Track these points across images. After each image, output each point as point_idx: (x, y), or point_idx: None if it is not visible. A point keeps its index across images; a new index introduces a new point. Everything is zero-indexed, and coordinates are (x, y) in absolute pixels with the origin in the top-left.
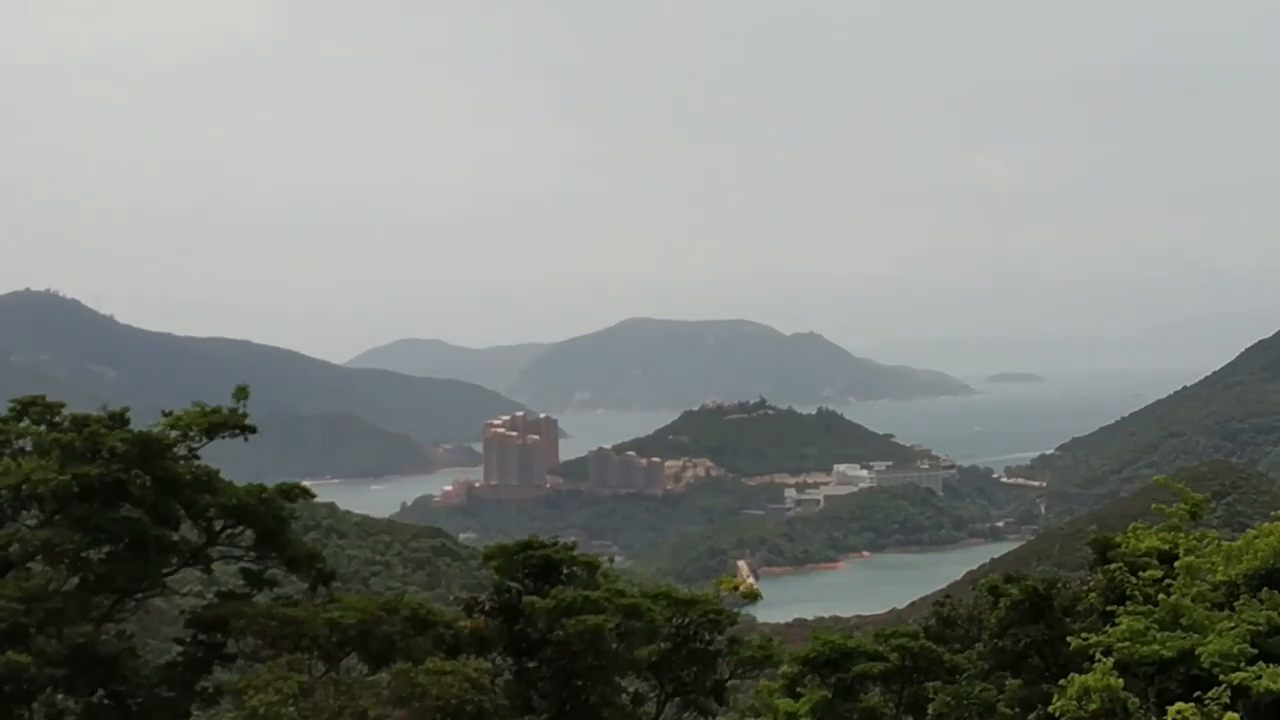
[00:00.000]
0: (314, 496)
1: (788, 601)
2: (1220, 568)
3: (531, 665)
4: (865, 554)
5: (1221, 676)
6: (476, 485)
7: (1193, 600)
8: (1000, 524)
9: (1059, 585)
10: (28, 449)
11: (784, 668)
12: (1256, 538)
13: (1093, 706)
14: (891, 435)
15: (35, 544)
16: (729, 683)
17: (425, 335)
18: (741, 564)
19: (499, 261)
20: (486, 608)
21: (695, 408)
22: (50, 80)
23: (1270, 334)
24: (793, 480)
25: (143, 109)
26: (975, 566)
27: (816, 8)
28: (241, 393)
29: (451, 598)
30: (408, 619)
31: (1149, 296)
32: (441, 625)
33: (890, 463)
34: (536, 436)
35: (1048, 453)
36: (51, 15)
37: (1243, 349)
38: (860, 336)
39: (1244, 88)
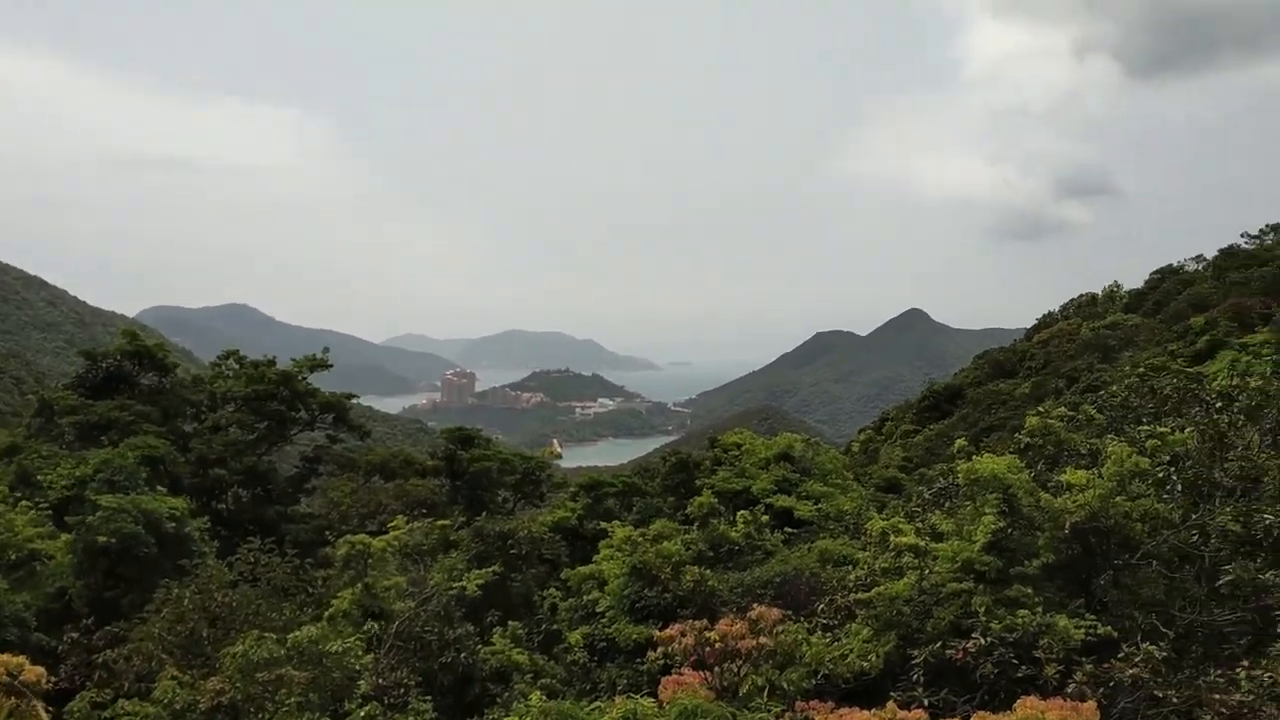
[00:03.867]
0: (359, 397)
1: (576, 459)
2: (762, 451)
3: (459, 484)
4: (611, 438)
5: (763, 500)
6: (439, 400)
7: (749, 465)
8: (670, 428)
9: (692, 456)
10: (229, 375)
11: (571, 488)
12: (777, 439)
13: (704, 510)
14: (624, 387)
15: (234, 418)
16: (546, 494)
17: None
18: (554, 441)
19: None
20: (440, 456)
21: (538, 370)
22: None
23: (793, 346)
24: (579, 405)
25: None
26: (659, 446)
27: None
28: (325, 352)
29: (426, 451)
30: (403, 460)
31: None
32: (418, 464)
33: (622, 399)
34: (466, 380)
35: (693, 397)
36: None
37: (782, 352)
38: (618, 339)
39: None
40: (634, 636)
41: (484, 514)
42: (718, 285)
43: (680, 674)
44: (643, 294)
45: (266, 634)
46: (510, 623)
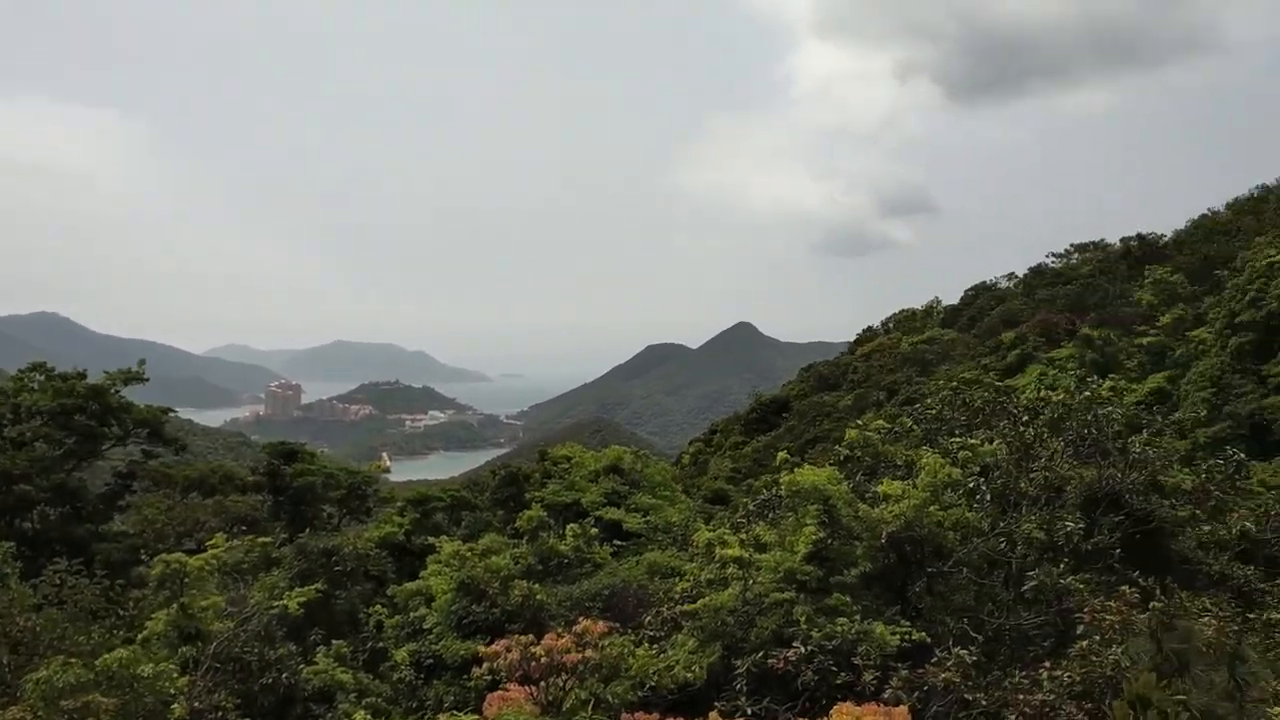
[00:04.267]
0: (176, 411)
1: (406, 473)
2: (592, 464)
3: (281, 499)
4: (442, 451)
5: (592, 512)
6: (262, 413)
7: (579, 478)
8: (502, 441)
9: (522, 469)
10: (34, 387)
11: (399, 503)
12: (606, 451)
13: (533, 524)
14: (456, 399)
15: (40, 432)
16: (373, 509)
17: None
18: (383, 455)
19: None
20: (262, 471)
21: (367, 382)
22: None
23: (626, 358)
24: (409, 417)
25: None
26: (491, 458)
27: None
28: (142, 365)
29: (248, 465)
30: (223, 475)
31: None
32: (239, 479)
33: (454, 411)
34: (291, 392)
35: (525, 409)
36: None
37: (614, 365)
38: (450, 350)
39: None
40: (461, 653)
41: (308, 530)
42: (551, 297)
43: (506, 689)
44: (475, 305)
45: (72, 659)
46: (334, 641)
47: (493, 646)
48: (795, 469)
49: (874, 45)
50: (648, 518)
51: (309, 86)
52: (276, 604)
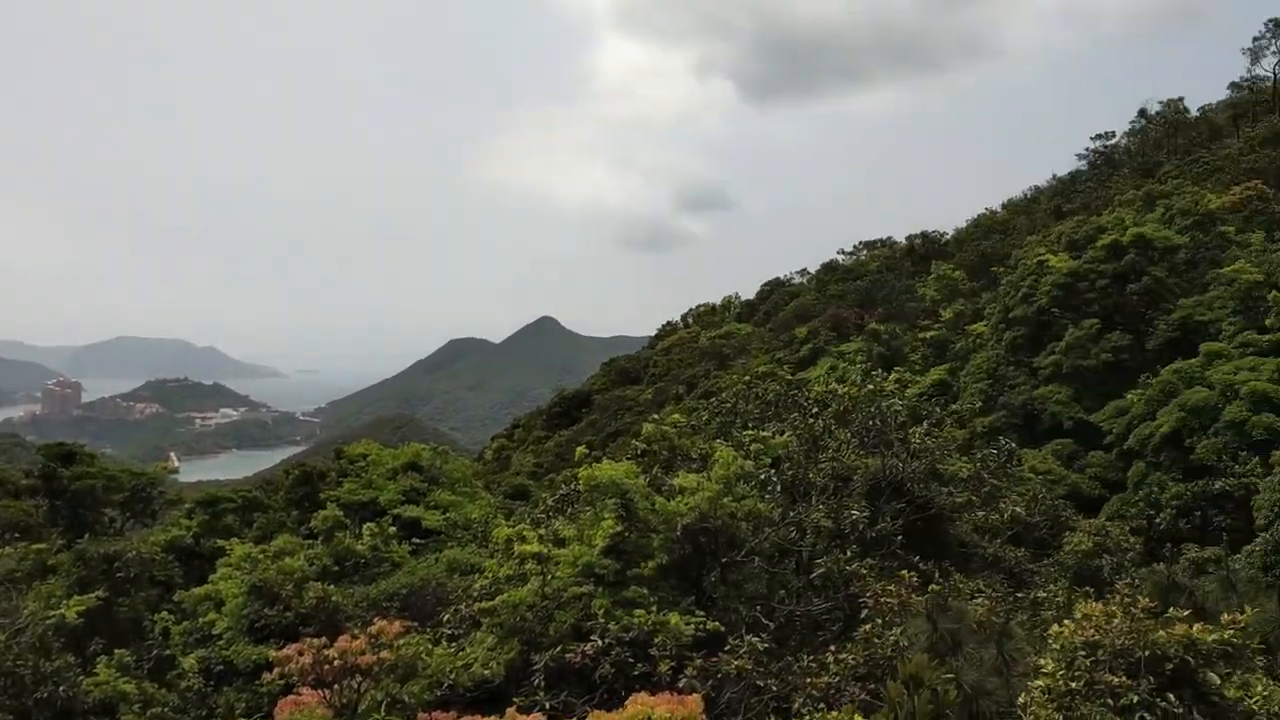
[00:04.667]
0: None
1: (195, 473)
2: (390, 461)
3: (58, 504)
4: (235, 450)
5: (390, 510)
6: (39, 413)
7: (376, 475)
8: (298, 439)
9: (318, 468)
10: None
11: (187, 505)
12: (405, 449)
13: (329, 524)
14: (249, 396)
15: None
16: (159, 512)
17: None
18: (171, 455)
19: None
20: (36, 474)
21: (153, 379)
22: None
23: (427, 353)
24: (199, 415)
25: None
26: (287, 457)
27: None
28: None
29: (21, 469)
30: None
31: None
32: (11, 483)
33: (246, 409)
34: (70, 391)
35: (323, 405)
36: None
37: (415, 359)
38: (242, 346)
39: None
40: (253, 658)
41: (87, 535)
42: (350, 291)
43: (299, 694)
44: (269, 299)
45: None
46: (117, 651)
47: (284, 651)
48: (594, 464)
49: (673, 42)
50: (447, 515)
51: (83, 64)
52: (53, 613)
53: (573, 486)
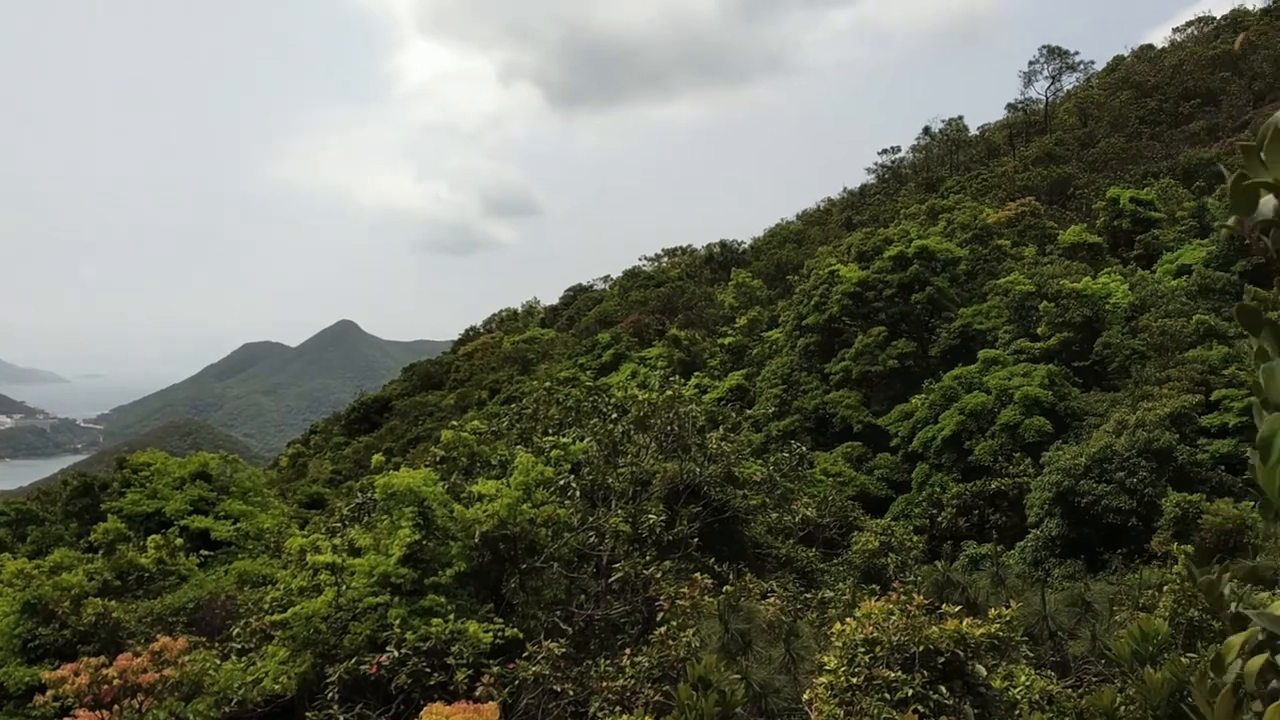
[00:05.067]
0: None
1: None
2: (177, 470)
3: None
4: (9, 460)
5: (177, 521)
6: None
7: (162, 485)
8: (79, 446)
9: (99, 478)
10: None
11: None
12: (193, 457)
13: (110, 536)
14: (24, 402)
15: None
16: None
17: None
18: None
19: None
20: None
21: None
22: None
23: (220, 357)
24: None
25: None
26: (67, 466)
27: None
28: None
29: None
30: None
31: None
32: None
33: (22, 415)
34: None
35: (106, 412)
36: None
37: (207, 364)
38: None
39: None
40: (26, 680)
41: None
42: (138, 292)
43: (75, 717)
44: (50, 300)
45: None
46: None
47: (58, 671)
48: (393, 471)
49: (478, 47)
50: (238, 525)
51: None
52: None
53: (369, 495)
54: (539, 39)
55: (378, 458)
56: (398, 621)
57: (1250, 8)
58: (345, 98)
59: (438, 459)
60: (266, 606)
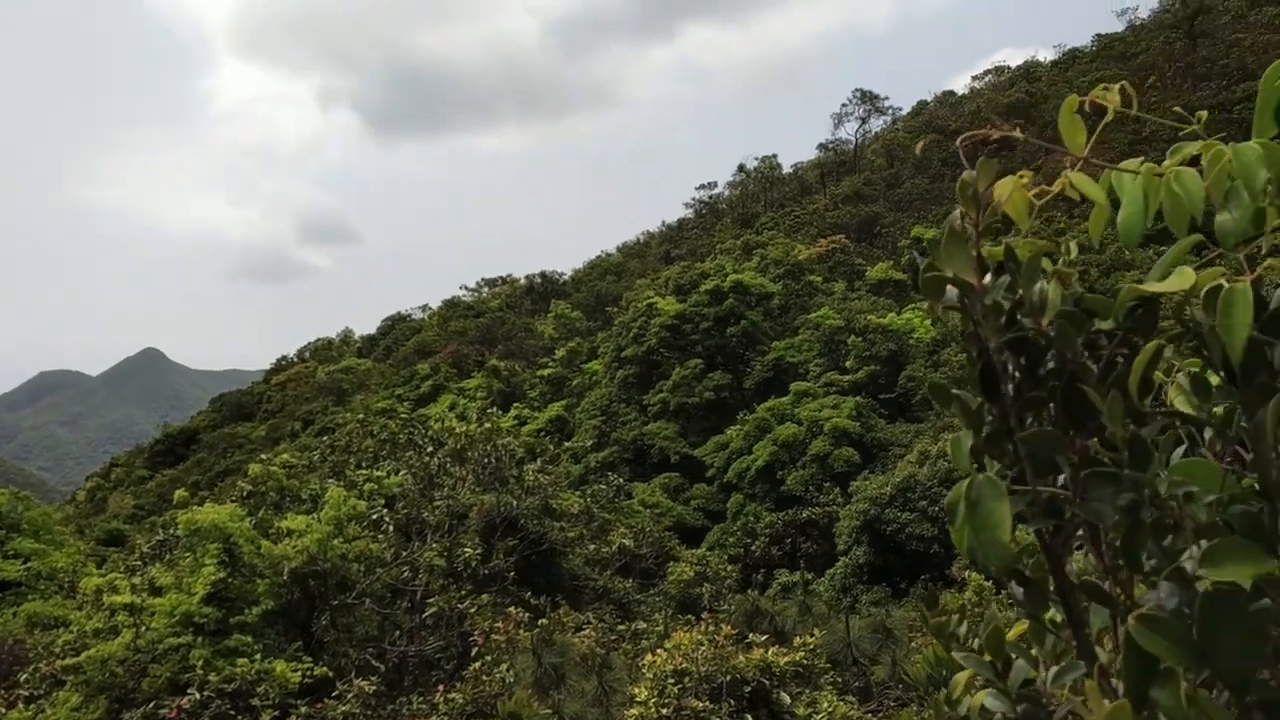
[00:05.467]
0: None
1: None
2: None
3: None
4: None
5: None
6: None
7: None
8: None
9: None
10: None
11: None
12: None
13: None
14: None
15: None
16: None
17: None
18: None
19: None
20: None
21: None
22: None
23: (12, 386)
24: None
25: None
26: None
27: None
28: None
29: None
30: None
31: None
32: None
33: None
34: None
35: None
36: None
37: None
38: None
39: None
40: None
41: None
42: None
43: None
44: None
45: None
46: None
47: None
48: (197, 506)
49: (296, 70)
50: (29, 564)
51: None
52: None
53: (172, 531)
54: (359, 63)
55: (182, 492)
56: (200, 663)
57: (1041, 59)
58: (154, 119)
59: (245, 493)
60: (58, 650)
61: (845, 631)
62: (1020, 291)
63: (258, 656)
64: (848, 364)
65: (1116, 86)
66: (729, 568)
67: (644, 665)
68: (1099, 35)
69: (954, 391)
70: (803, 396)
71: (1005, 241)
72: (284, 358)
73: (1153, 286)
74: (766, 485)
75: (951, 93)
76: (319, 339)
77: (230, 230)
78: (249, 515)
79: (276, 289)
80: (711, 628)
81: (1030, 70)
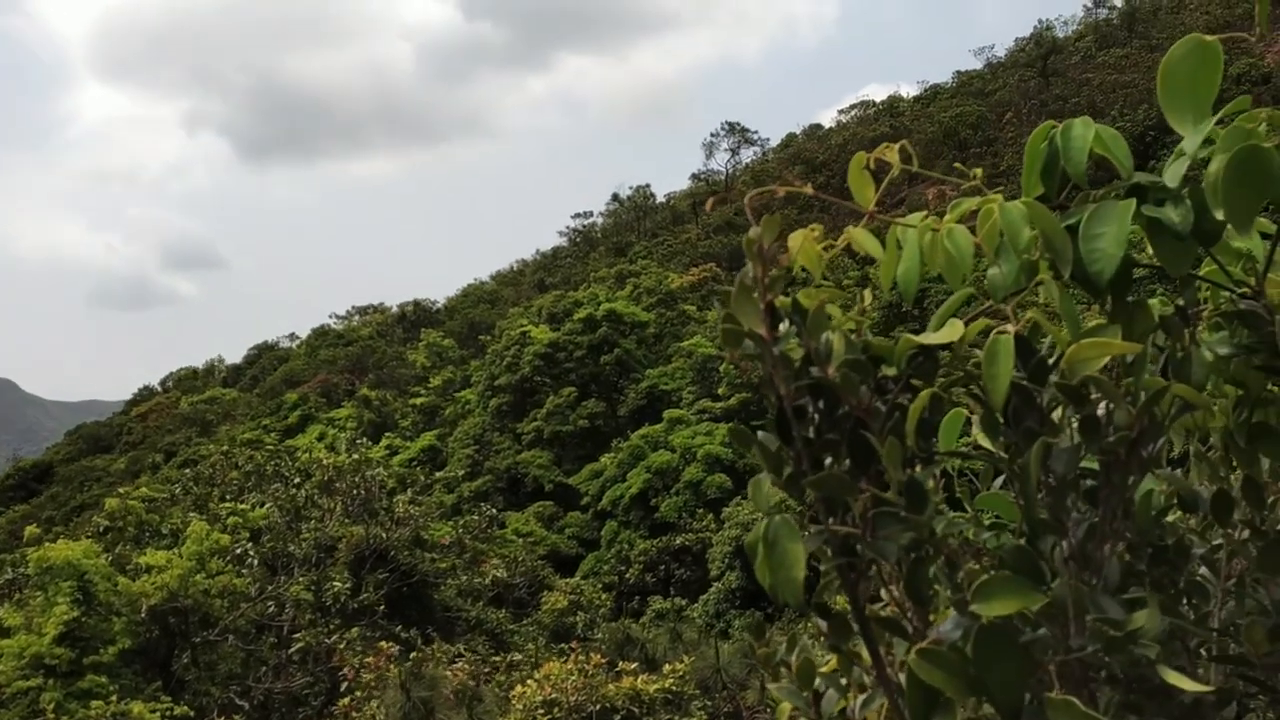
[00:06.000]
0: None
1: None
2: None
3: None
4: None
5: None
6: None
7: None
8: None
9: None
10: None
11: None
12: None
13: None
14: None
15: None
16: None
17: None
18: None
19: None
20: None
21: None
22: None
23: None
24: None
25: None
26: None
27: None
28: None
29: None
30: None
31: None
32: None
33: None
34: None
35: None
36: None
37: None
38: None
39: None
40: None
41: None
42: None
43: None
44: None
45: None
46: None
47: None
48: (50, 543)
49: (160, 93)
50: None
51: None
52: None
53: (22, 569)
54: (227, 87)
55: (33, 529)
56: (52, 706)
57: (905, 95)
58: (4, 141)
59: (102, 529)
60: None
61: (715, 657)
62: (810, 341)
63: (114, 698)
64: (720, 391)
65: (897, 146)
66: (603, 596)
67: (514, 697)
68: (959, 72)
69: (757, 435)
70: (676, 424)
71: (792, 293)
72: (146, 388)
73: (927, 338)
74: (640, 512)
75: (819, 126)
76: (183, 368)
77: (89, 256)
78: (105, 551)
79: (139, 316)
80: (582, 657)
81: (894, 105)
